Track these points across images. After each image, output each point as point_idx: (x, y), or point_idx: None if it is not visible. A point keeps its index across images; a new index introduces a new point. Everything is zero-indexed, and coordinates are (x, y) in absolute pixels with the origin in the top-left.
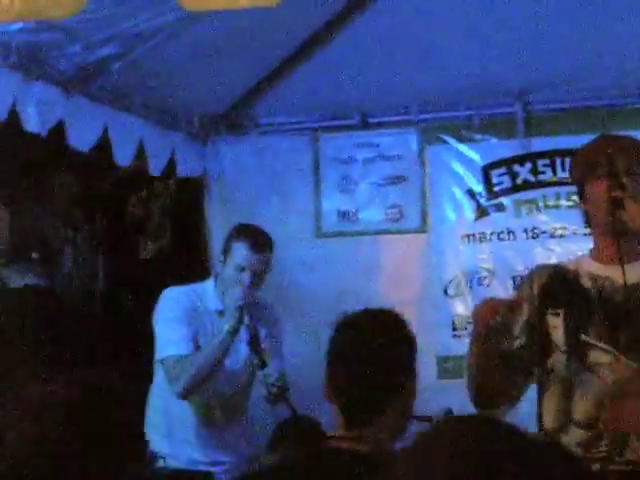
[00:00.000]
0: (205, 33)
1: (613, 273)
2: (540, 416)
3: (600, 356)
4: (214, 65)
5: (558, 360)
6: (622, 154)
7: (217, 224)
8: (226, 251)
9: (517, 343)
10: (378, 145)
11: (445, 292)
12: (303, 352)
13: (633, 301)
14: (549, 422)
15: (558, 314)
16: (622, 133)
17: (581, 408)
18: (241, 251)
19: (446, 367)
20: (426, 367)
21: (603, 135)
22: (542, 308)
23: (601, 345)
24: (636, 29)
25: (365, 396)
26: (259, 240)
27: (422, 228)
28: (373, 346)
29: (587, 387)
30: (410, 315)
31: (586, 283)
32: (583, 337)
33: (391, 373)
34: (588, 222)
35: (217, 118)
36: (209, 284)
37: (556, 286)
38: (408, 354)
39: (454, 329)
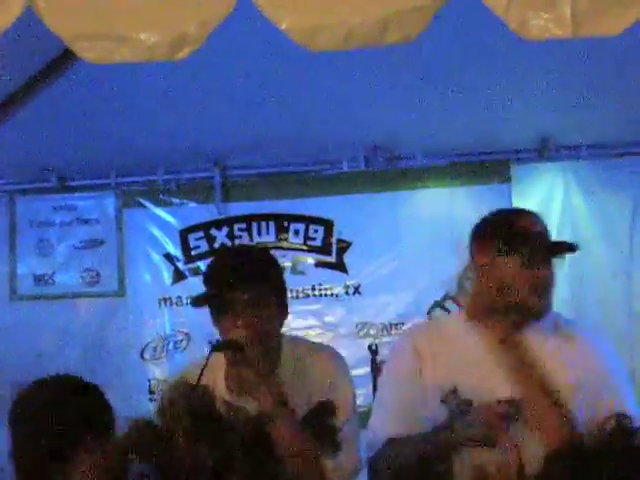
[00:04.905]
0: None
1: (244, 402)
2: None
3: None
4: None
5: None
6: None
7: None
8: None
9: None
10: (76, 208)
11: (142, 356)
12: None
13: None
14: None
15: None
16: (313, 199)
17: None
18: None
19: None
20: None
21: None
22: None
23: None
24: (338, 98)
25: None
26: None
27: (119, 292)
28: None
29: None
30: (107, 379)
31: (220, 410)
32: None
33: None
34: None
35: None
36: None
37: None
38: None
39: (150, 392)
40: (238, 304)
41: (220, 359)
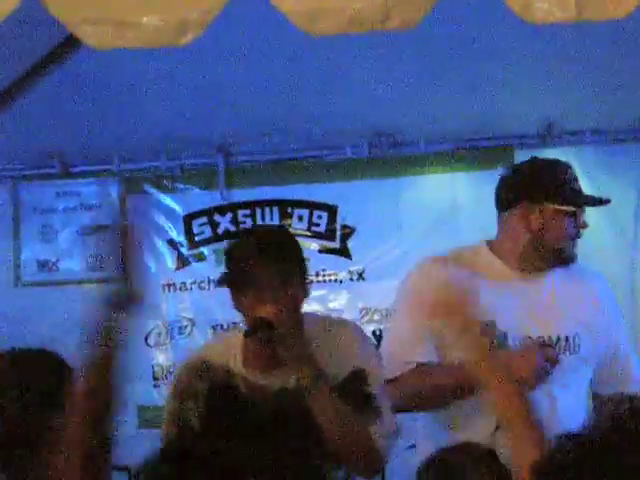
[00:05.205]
0: None
1: (266, 380)
2: None
3: None
4: None
5: None
6: None
7: None
8: None
9: None
10: (79, 194)
11: (146, 342)
12: None
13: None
14: None
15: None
16: (316, 185)
17: None
18: None
19: (146, 417)
20: (126, 417)
21: None
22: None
23: None
24: (343, 88)
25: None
26: None
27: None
28: None
29: None
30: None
31: (242, 389)
32: None
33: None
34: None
35: None
36: None
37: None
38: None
39: (155, 379)
40: (264, 280)
41: (238, 339)
